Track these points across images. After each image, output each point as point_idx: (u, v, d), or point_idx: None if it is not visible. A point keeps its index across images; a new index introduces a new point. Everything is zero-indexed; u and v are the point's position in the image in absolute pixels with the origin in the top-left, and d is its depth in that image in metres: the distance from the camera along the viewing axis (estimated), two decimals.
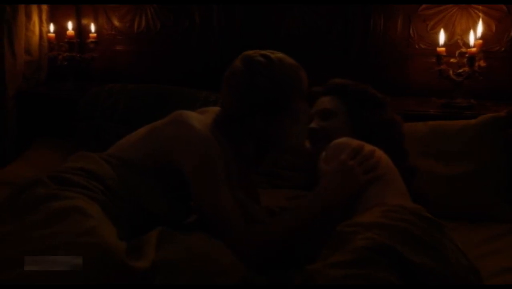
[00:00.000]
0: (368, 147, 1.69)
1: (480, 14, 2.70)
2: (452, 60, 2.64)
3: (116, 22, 3.17)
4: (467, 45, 2.63)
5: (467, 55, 2.58)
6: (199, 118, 1.69)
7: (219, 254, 1.48)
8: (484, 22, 2.67)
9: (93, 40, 3.09)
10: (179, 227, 1.61)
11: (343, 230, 1.46)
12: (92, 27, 3.12)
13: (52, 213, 1.43)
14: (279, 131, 1.70)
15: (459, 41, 2.74)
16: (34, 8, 3.03)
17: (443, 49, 2.63)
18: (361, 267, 1.31)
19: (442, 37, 2.65)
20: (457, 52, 2.63)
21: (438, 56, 2.63)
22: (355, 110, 1.91)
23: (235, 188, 1.65)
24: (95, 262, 1.34)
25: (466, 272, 1.40)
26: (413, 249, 1.36)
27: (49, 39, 3.12)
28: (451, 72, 2.61)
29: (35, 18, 3.04)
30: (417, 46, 2.86)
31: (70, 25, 3.09)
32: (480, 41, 2.61)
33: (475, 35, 2.60)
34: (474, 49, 2.58)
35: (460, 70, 2.59)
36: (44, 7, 3.12)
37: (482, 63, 2.58)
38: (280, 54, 1.70)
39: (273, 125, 1.68)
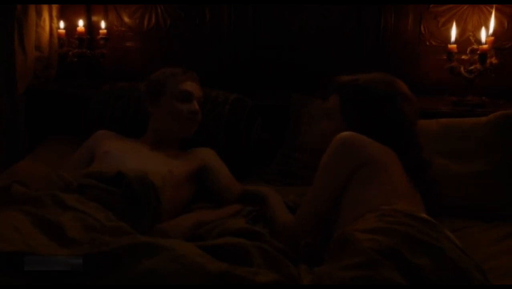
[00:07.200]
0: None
1: (492, 11, 2.68)
2: (463, 57, 2.62)
3: (126, 19, 3.17)
4: (478, 42, 2.61)
5: (478, 52, 2.56)
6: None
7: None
8: (496, 19, 2.64)
9: (103, 36, 3.10)
10: None
11: (345, 233, 1.47)
12: (102, 24, 3.12)
13: None
14: (163, 110, 2.28)
15: (471, 37, 2.72)
16: (44, 5, 3.03)
17: (454, 46, 2.62)
18: (369, 269, 1.31)
19: (453, 33, 2.63)
20: (468, 49, 2.62)
21: (449, 53, 2.61)
22: (348, 109, 1.83)
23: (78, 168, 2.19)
24: None
25: (469, 267, 1.39)
26: (414, 251, 1.36)
27: (59, 35, 3.12)
28: (462, 69, 2.60)
29: (46, 15, 3.04)
30: (428, 43, 2.85)
31: (80, 21, 3.09)
32: (492, 37, 2.59)
33: (487, 31, 2.58)
34: (485, 46, 2.56)
35: (472, 67, 2.57)
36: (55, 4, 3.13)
37: (494, 60, 2.56)
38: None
39: (159, 106, 2.30)
